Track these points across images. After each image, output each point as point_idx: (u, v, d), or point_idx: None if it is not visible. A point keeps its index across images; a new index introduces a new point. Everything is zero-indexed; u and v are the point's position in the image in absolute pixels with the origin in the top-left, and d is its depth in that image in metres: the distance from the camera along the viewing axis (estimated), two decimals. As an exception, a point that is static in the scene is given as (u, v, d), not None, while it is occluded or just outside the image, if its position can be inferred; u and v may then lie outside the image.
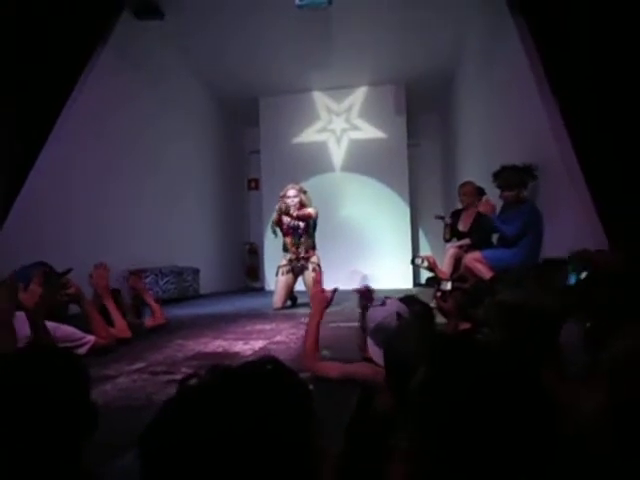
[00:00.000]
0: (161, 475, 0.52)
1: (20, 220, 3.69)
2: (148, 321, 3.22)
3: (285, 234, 4.78)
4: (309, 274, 4.69)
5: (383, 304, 1.78)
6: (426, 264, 2.68)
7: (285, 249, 4.84)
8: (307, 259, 4.77)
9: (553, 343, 1.26)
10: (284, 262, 4.81)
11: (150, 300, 3.33)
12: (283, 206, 4.65)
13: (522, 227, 3.51)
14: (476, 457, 0.61)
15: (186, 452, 0.51)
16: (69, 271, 2.60)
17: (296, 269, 4.79)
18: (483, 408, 0.62)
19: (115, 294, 2.88)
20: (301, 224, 4.71)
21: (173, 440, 0.52)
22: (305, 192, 4.81)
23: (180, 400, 0.56)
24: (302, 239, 4.75)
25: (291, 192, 4.71)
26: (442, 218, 4.71)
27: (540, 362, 1.14)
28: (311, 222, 4.77)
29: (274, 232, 4.79)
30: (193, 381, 0.58)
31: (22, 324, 2.03)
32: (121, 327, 2.74)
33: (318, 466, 0.57)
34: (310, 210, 4.70)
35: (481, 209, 3.88)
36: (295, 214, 4.62)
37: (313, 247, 4.85)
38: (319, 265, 4.72)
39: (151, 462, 0.53)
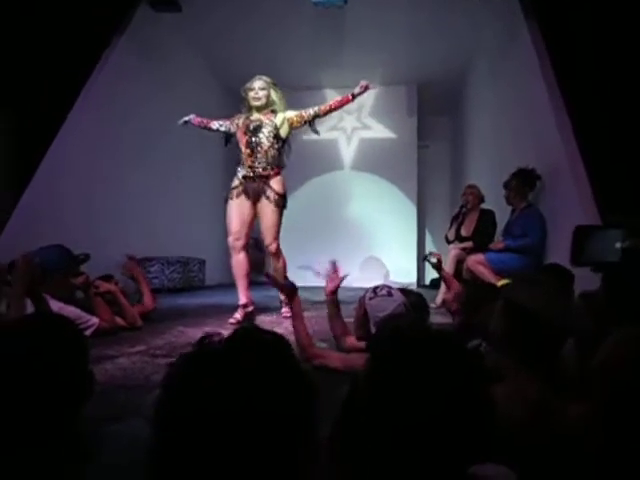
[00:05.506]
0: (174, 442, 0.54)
1: (28, 207, 3.75)
2: (136, 307, 3.02)
3: (240, 141, 3.47)
4: (266, 206, 3.42)
5: (390, 295, 1.76)
6: (434, 260, 2.71)
7: (239, 162, 3.54)
8: (266, 179, 3.42)
9: (556, 354, 1.25)
10: (236, 182, 3.50)
11: (145, 286, 3.17)
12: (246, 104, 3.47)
13: (542, 232, 3.53)
14: (405, 445, 0.62)
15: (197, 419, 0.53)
16: (87, 257, 2.64)
17: (250, 192, 3.42)
18: (413, 399, 0.62)
19: (107, 280, 2.86)
20: (265, 128, 3.40)
21: (186, 409, 0.54)
22: (276, 85, 3.55)
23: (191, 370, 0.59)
24: (261, 148, 3.40)
25: (257, 83, 3.42)
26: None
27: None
28: (286, 128, 3.52)
29: (227, 142, 3.64)
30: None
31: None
32: (132, 316, 2.79)
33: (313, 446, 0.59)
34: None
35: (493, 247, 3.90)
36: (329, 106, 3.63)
37: (278, 164, 3.52)
38: (284, 197, 3.46)
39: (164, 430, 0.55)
